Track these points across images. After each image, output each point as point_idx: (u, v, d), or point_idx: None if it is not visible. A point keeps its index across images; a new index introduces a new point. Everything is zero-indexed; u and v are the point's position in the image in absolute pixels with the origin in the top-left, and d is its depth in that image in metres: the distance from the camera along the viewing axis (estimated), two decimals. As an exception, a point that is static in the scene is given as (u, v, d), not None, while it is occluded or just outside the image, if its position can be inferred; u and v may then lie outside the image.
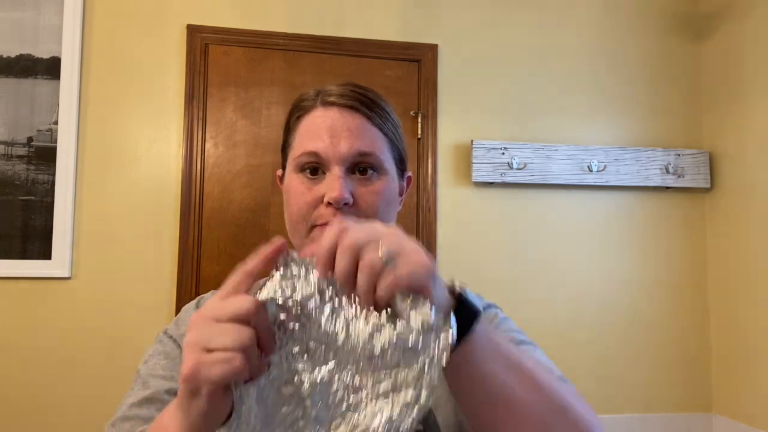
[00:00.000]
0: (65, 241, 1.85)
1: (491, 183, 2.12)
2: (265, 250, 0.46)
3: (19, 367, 1.81)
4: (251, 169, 1.99)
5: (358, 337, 0.45)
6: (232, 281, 0.46)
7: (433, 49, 2.13)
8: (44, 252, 1.84)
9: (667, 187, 2.22)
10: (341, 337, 0.45)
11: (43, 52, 1.89)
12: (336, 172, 0.64)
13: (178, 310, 1.86)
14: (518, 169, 2.09)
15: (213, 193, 1.96)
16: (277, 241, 0.46)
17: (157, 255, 1.91)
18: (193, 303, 0.75)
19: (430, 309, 0.43)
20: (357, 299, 0.45)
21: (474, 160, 2.06)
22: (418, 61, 2.12)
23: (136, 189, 1.92)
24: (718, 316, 2.20)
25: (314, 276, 0.46)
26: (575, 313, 2.15)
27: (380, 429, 0.44)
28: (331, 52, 2.07)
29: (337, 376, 0.46)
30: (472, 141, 2.08)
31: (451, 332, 0.44)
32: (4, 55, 1.88)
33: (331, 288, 0.46)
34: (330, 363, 0.46)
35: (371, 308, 0.45)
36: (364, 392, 0.45)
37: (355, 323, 0.45)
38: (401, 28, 2.13)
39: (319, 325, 0.46)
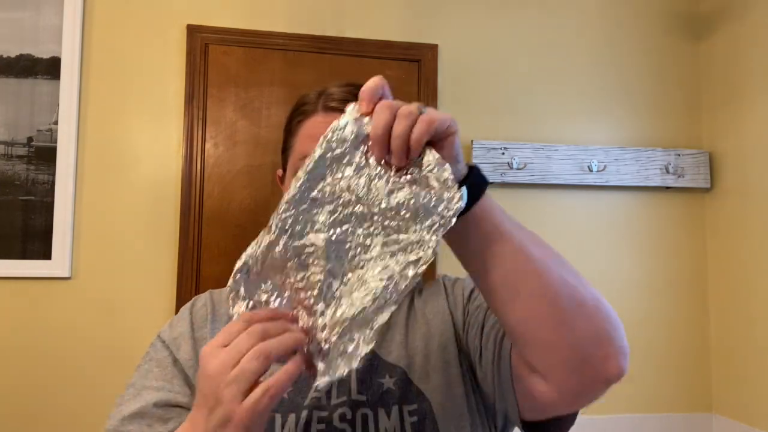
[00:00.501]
0: (65, 241, 1.85)
1: (491, 183, 2.11)
2: (293, 342, 0.49)
3: (19, 367, 1.81)
4: (251, 169, 1.99)
5: (377, 193, 0.50)
6: (229, 332, 0.48)
7: (433, 49, 2.13)
8: (44, 252, 1.84)
9: (667, 187, 2.22)
10: (362, 192, 0.50)
11: (43, 52, 1.90)
12: None
13: (178, 310, 1.86)
14: (518, 169, 2.09)
15: (213, 193, 1.96)
16: (302, 337, 0.50)
17: (157, 255, 1.91)
18: (188, 305, 0.75)
19: (449, 172, 0.49)
20: (384, 161, 0.50)
21: (474, 160, 2.06)
22: (418, 61, 2.12)
23: (136, 189, 1.92)
24: (718, 316, 2.20)
25: (350, 129, 0.51)
26: (575, 313, 2.15)
27: (382, 283, 0.49)
28: (331, 52, 2.07)
29: (351, 236, 0.51)
30: (472, 141, 2.08)
31: (462, 195, 0.48)
32: (4, 55, 1.88)
33: (363, 147, 0.51)
34: (345, 224, 0.51)
35: (393, 170, 0.50)
36: (375, 250, 0.50)
37: (377, 181, 0.50)
38: (401, 28, 2.13)
39: (345, 180, 0.51)
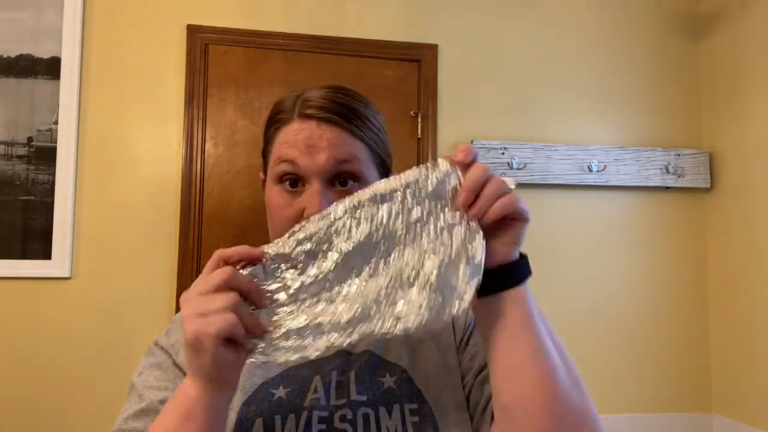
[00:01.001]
0: (65, 241, 1.85)
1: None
2: (247, 252, 0.55)
3: (19, 367, 1.81)
4: (251, 169, 1.99)
5: (415, 245, 0.53)
6: (210, 263, 0.55)
7: (433, 49, 2.13)
8: (44, 252, 1.84)
9: (667, 187, 2.22)
10: (405, 237, 0.53)
11: (43, 52, 1.89)
12: (315, 186, 0.64)
13: (178, 311, 1.86)
14: (518, 169, 2.09)
15: (213, 193, 1.96)
16: (258, 251, 0.55)
17: (157, 255, 1.91)
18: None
19: (478, 280, 0.51)
20: (458, 216, 0.53)
21: (474, 160, 2.06)
22: (418, 61, 2.12)
23: (136, 189, 1.92)
24: (718, 316, 2.20)
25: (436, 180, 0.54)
26: (575, 312, 2.15)
27: (360, 314, 0.52)
28: (330, 52, 2.07)
29: (366, 260, 0.54)
30: (472, 141, 2.08)
31: (469, 300, 0.50)
32: (4, 55, 1.88)
33: (433, 203, 0.53)
34: (371, 249, 0.54)
35: (442, 235, 0.53)
36: (374, 285, 0.53)
37: (421, 239, 0.53)
38: (401, 28, 2.13)
39: (399, 218, 0.54)
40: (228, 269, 0.52)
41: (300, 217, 0.64)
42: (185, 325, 0.50)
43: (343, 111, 0.67)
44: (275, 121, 0.70)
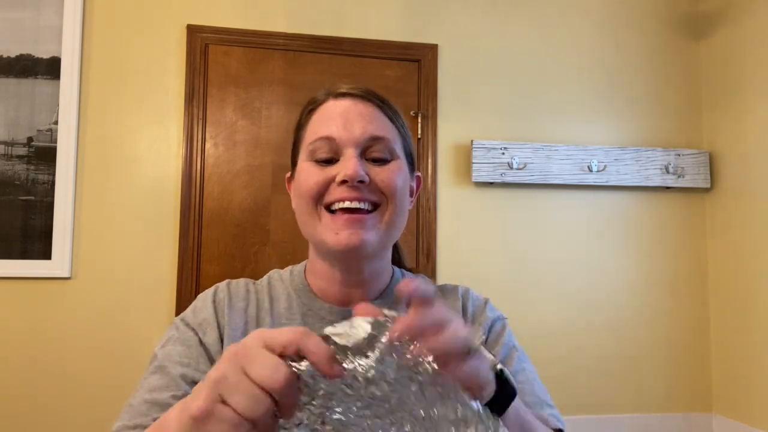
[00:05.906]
0: (65, 241, 1.85)
1: (491, 183, 2.12)
2: (323, 358, 0.40)
3: (19, 367, 1.81)
4: (251, 169, 1.99)
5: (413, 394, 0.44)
6: (282, 338, 0.40)
7: (433, 49, 2.13)
8: (44, 252, 1.84)
9: (667, 187, 2.22)
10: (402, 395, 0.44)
11: (43, 52, 1.89)
12: (350, 153, 0.65)
13: (178, 311, 1.86)
14: (518, 169, 2.09)
15: (213, 193, 1.96)
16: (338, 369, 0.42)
17: (157, 255, 1.91)
18: (210, 293, 0.73)
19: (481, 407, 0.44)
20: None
21: (474, 160, 2.06)
22: (418, 61, 2.12)
23: (136, 189, 1.92)
24: (718, 316, 2.20)
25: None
26: (575, 312, 2.15)
27: None
28: (331, 52, 2.07)
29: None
30: (472, 141, 2.08)
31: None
32: (4, 55, 1.88)
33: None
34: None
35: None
36: None
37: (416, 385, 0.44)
38: (401, 28, 2.13)
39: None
40: (285, 374, 0.39)
41: (331, 182, 0.65)
42: (204, 391, 0.40)
43: (375, 93, 0.71)
44: (310, 104, 0.72)
